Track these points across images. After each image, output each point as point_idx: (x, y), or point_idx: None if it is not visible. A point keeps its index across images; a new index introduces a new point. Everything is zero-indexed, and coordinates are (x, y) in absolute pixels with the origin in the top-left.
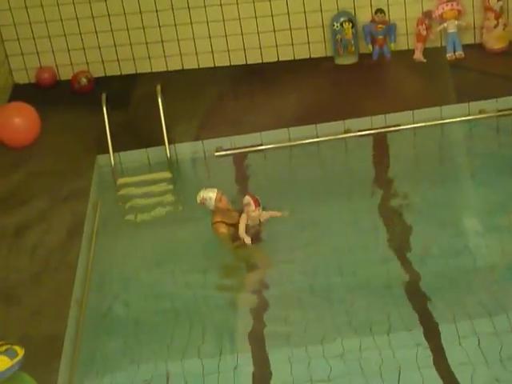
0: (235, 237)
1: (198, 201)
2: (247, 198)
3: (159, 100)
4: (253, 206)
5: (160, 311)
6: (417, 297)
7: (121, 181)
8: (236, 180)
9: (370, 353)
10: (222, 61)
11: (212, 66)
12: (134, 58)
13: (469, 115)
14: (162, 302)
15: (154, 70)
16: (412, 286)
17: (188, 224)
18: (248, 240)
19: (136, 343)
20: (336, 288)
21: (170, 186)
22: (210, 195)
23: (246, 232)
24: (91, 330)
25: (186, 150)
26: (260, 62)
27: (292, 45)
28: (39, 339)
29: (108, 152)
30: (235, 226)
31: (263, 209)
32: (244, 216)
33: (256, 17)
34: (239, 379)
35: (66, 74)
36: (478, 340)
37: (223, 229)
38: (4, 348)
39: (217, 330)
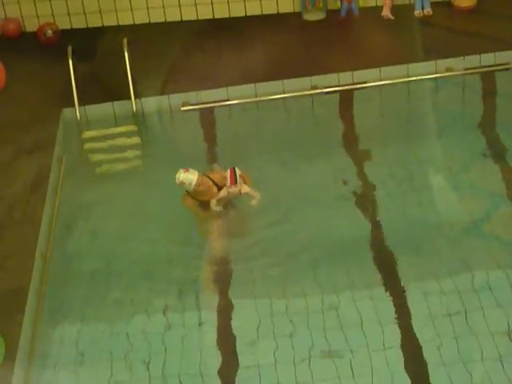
0: (203, 209)
1: (177, 181)
2: (226, 172)
3: (125, 54)
4: (228, 183)
5: (124, 265)
6: (380, 254)
7: (86, 134)
8: (202, 135)
9: (332, 309)
10: (189, 15)
11: (179, 19)
12: (100, 11)
13: (436, 73)
14: (126, 256)
15: (120, 24)
16: (376, 244)
17: (153, 178)
18: (218, 208)
19: (100, 297)
20: (300, 245)
21: (136, 140)
22: (189, 178)
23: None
24: (55, 283)
25: (152, 104)
26: (227, 16)
27: (260, 0)
28: (3, 292)
29: (74, 105)
30: (205, 202)
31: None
32: (225, 189)
33: None
34: (203, 334)
35: (31, 26)
36: (441, 296)
37: (188, 202)
38: None
39: (181, 286)
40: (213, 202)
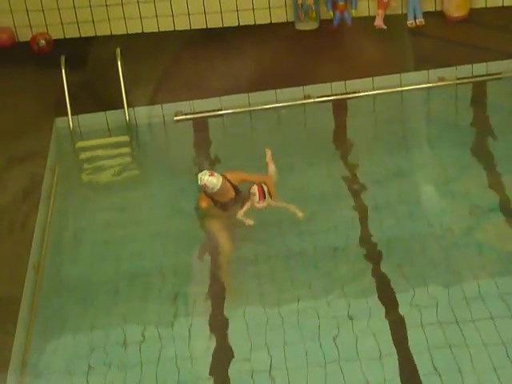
0: (218, 208)
1: (200, 182)
2: (254, 189)
3: (119, 63)
4: (257, 198)
5: (117, 274)
6: (372, 264)
7: (79, 144)
8: (195, 144)
9: (325, 318)
10: (182, 24)
11: (172, 29)
12: (93, 21)
13: (428, 83)
14: (119, 266)
15: (113, 33)
16: (368, 253)
17: (145, 188)
18: (249, 222)
19: (93, 307)
20: (293, 252)
21: (129, 150)
22: (213, 183)
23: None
24: (48, 293)
25: (145, 113)
26: (220, 26)
27: (253, 9)
28: None
29: (66, 114)
30: (222, 204)
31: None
32: (248, 203)
33: None
34: (195, 341)
35: (24, 36)
36: (437, 305)
37: (204, 203)
38: None
39: (174, 293)
40: (240, 214)
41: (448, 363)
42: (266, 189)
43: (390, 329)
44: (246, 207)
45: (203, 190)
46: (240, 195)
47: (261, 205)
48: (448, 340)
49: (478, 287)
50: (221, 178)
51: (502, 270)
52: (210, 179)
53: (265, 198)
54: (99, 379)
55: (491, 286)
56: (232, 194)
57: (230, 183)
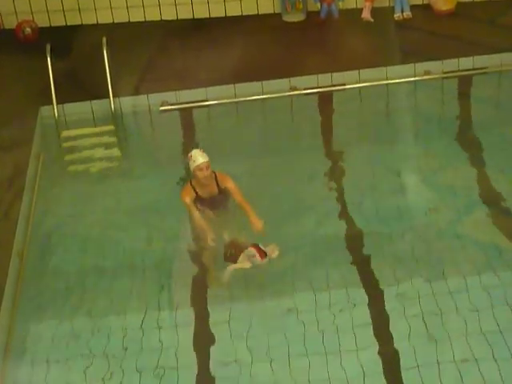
0: (199, 204)
1: (189, 154)
2: (252, 251)
3: (105, 52)
4: (259, 259)
5: (101, 264)
6: (356, 256)
7: (64, 133)
8: (180, 135)
9: (309, 312)
10: (168, 14)
11: (159, 19)
12: (79, 9)
13: (414, 76)
14: (103, 255)
15: (99, 22)
16: (353, 245)
17: (130, 178)
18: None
19: (77, 296)
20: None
21: (114, 140)
22: (197, 157)
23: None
24: (32, 281)
25: (130, 103)
26: (207, 16)
27: (240, 0)
28: None
29: (52, 103)
30: (203, 200)
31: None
32: (247, 263)
33: None
34: (180, 334)
35: (10, 23)
36: (418, 297)
37: (187, 197)
38: None
39: (158, 285)
40: (228, 271)
41: (431, 355)
42: (261, 246)
43: (373, 321)
44: (242, 265)
45: (188, 164)
46: (223, 197)
47: (264, 262)
48: (430, 332)
49: (465, 280)
50: (207, 160)
51: (485, 262)
52: (197, 152)
53: (266, 255)
54: (81, 366)
55: (475, 279)
56: (214, 191)
57: (217, 181)
